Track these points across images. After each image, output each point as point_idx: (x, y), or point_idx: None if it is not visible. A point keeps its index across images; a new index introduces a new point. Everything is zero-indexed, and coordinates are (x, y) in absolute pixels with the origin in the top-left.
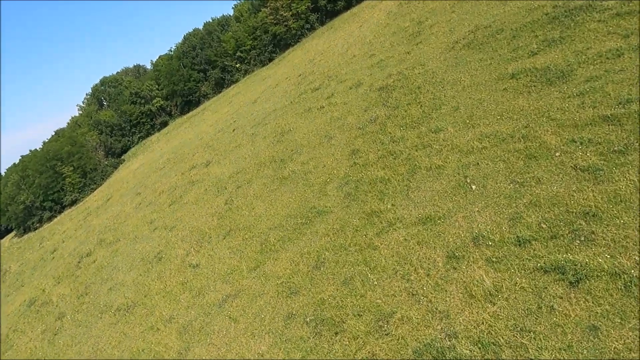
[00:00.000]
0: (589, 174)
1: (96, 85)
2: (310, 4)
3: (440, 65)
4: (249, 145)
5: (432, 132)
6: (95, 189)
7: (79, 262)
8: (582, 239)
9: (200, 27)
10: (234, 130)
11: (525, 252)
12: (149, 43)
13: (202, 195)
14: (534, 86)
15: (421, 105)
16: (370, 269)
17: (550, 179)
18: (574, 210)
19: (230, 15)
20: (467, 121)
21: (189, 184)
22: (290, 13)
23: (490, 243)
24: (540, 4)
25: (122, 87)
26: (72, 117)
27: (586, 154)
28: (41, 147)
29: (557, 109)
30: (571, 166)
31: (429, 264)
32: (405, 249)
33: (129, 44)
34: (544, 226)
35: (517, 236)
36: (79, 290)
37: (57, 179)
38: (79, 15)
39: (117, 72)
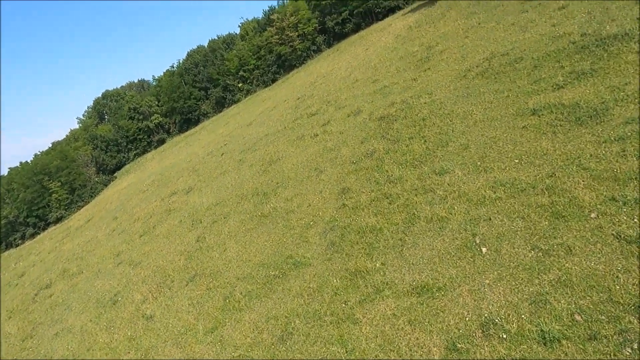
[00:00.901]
0: (638, 247)
1: (98, 98)
2: (317, 25)
3: (449, 95)
4: (234, 172)
5: (436, 174)
6: (82, 207)
7: (36, 295)
8: (635, 346)
9: (205, 44)
10: (222, 154)
11: (553, 354)
12: (157, 58)
13: (176, 227)
14: (561, 125)
15: (425, 140)
16: (346, 351)
17: (584, 250)
18: (621, 301)
19: (236, 34)
20: (479, 163)
21: (165, 212)
22: (297, 34)
23: (504, 335)
24: (566, 31)
25: (123, 101)
26: (71, 130)
27: (632, 219)
28: (32, 160)
29: (591, 155)
30: (612, 234)
31: (421, 354)
32: (393, 328)
33: (137, 58)
34: (578, 319)
35: (542, 330)
36: (26, 330)
37: (43, 194)
38: (89, 24)
39: (121, 86)
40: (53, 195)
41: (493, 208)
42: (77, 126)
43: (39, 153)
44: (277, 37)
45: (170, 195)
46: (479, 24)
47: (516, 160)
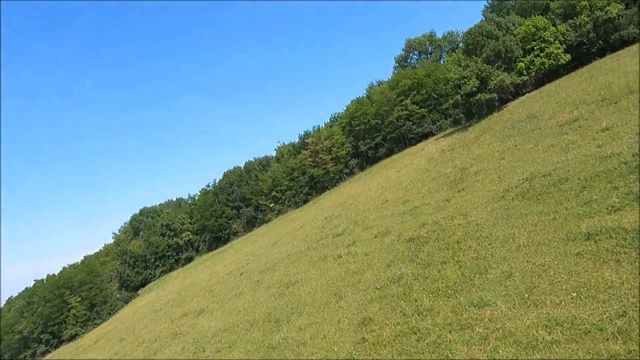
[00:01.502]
0: None
1: (135, 214)
2: (351, 149)
3: (486, 216)
4: (249, 294)
5: (474, 306)
6: (98, 324)
7: None
8: None
9: (242, 165)
10: (241, 274)
11: None
12: (197, 177)
13: (178, 354)
14: (625, 253)
15: (460, 266)
16: None
17: None
18: None
19: (271, 156)
20: (526, 295)
21: (171, 336)
22: (330, 157)
23: None
24: (614, 151)
25: (158, 217)
26: (105, 245)
27: None
28: (58, 273)
29: None
30: None
31: None
32: None
33: (178, 177)
34: None
35: None
36: None
37: (62, 309)
38: (134, 146)
39: (160, 204)
40: (71, 310)
41: (550, 354)
42: (111, 241)
43: (67, 266)
44: (310, 159)
45: (181, 317)
46: (515, 146)
47: (573, 294)
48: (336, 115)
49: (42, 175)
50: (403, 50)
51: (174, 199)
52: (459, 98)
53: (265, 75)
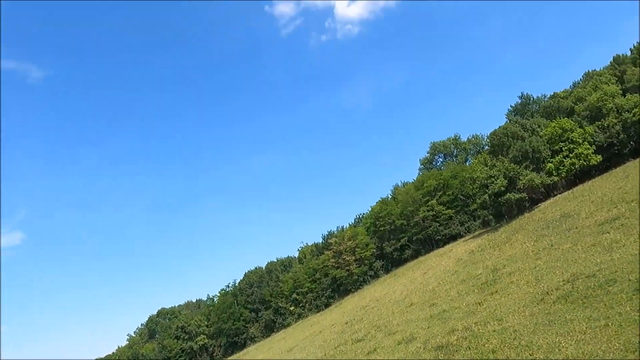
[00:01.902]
0: None
1: (152, 316)
2: (375, 250)
3: (525, 322)
4: None
5: None
6: None
7: None
8: None
9: (264, 266)
10: None
11: None
12: (219, 278)
13: None
14: None
15: None
16: None
17: None
18: None
19: (294, 257)
20: None
21: None
22: (354, 258)
23: None
24: None
25: (175, 319)
26: (118, 348)
27: None
28: None
29: None
30: None
31: None
32: None
33: (199, 279)
34: None
35: None
36: None
37: None
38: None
39: (179, 305)
40: None
41: None
42: (125, 343)
43: None
44: (333, 260)
45: None
46: (552, 245)
47: None
48: (360, 216)
49: (55, 272)
50: (428, 152)
51: (194, 300)
52: (487, 198)
53: (290, 176)
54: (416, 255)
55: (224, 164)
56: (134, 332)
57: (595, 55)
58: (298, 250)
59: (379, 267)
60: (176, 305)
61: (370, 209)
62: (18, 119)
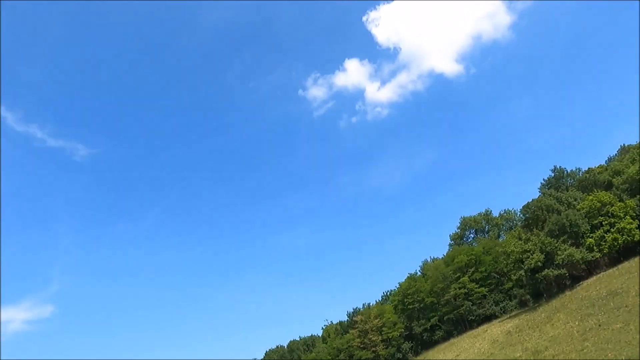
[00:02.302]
0: None
1: None
2: (403, 330)
3: None
4: None
5: None
6: None
7: None
8: None
9: (286, 345)
10: None
11: None
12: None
13: None
14: None
15: None
16: None
17: None
18: None
19: (317, 336)
20: None
21: None
22: (381, 338)
23: None
24: None
25: None
26: None
27: None
28: None
29: None
30: None
31: None
32: None
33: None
34: None
35: None
36: None
37: None
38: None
39: None
40: None
41: None
42: None
43: None
44: (359, 340)
45: None
46: (599, 325)
47: None
48: (388, 293)
49: (82, 345)
50: (458, 228)
51: None
52: (523, 274)
53: (317, 254)
54: (448, 336)
55: (254, 241)
56: None
57: (625, 132)
58: (322, 328)
59: (407, 349)
60: None
61: (398, 286)
62: (61, 194)
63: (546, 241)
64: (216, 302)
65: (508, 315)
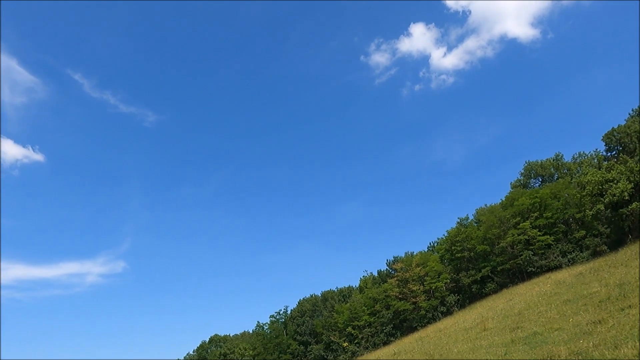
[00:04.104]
0: None
1: (204, 342)
2: (449, 281)
3: None
4: None
5: None
6: None
7: None
8: None
9: (320, 293)
10: None
11: None
12: (275, 305)
13: None
14: None
15: None
16: None
17: None
18: None
19: (355, 287)
20: None
21: None
22: (422, 289)
23: None
24: None
25: (224, 347)
26: None
27: None
28: None
29: None
30: None
31: None
32: None
33: (259, 307)
34: None
35: None
36: None
37: None
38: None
39: (235, 334)
40: None
41: None
42: None
43: None
44: (397, 289)
45: None
46: None
47: None
48: (434, 243)
49: (148, 297)
50: (521, 174)
51: (251, 331)
52: (602, 208)
53: (370, 224)
54: (500, 289)
55: (310, 209)
56: (184, 357)
57: None
58: (360, 279)
59: (452, 301)
60: (232, 335)
61: (446, 234)
62: (132, 158)
63: (636, 169)
64: (271, 265)
65: (579, 266)
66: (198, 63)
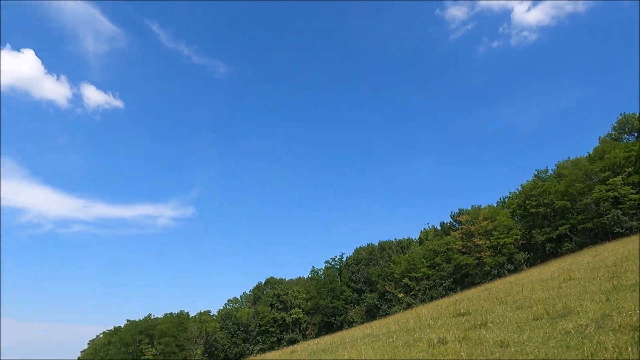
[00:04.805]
0: None
1: (259, 283)
2: (519, 238)
3: None
4: None
5: None
6: None
7: None
8: None
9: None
10: None
11: None
12: (332, 252)
13: None
14: None
15: None
16: None
17: None
18: None
19: (414, 239)
20: None
21: None
22: (489, 244)
23: None
24: None
25: (278, 288)
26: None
27: None
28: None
29: None
30: None
31: None
32: None
33: (315, 253)
34: None
35: None
36: None
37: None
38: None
39: (290, 279)
40: None
41: None
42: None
43: (162, 315)
44: (461, 243)
45: None
46: None
47: None
48: (504, 198)
49: (214, 240)
50: (613, 128)
51: (305, 277)
52: None
53: (431, 188)
54: (579, 249)
55: (376, 168)
56: (239, 297)
57: None
58: (420, 232)
59: (522, 259)
60: (288, 279)
61: (520, 188)
62: (203, 109)
63: None
64: (333, 217)
65: None
66: (269, 17)
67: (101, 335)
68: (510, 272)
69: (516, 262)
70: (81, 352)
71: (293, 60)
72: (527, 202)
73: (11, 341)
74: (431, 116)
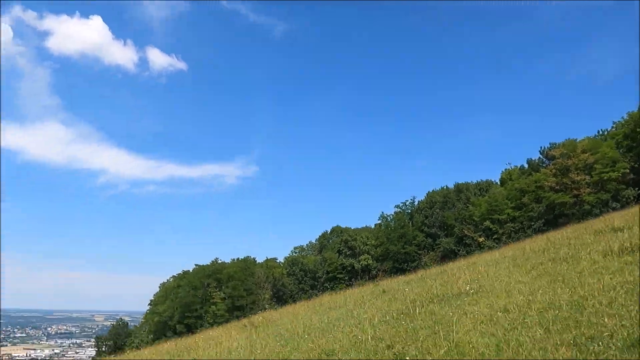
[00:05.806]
0: None
1: (325, 232)
2: (628, 172)
3: None
4: None
5: None
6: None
7: None
8: None
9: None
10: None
11: None
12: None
13: None
14: None
15: None
16: None
17: None
18: None
19: (495, 182)
20: None
21: None
22: (588, 179)
23: None
24: None
25: (346, 234)
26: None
27: None
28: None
29: None
30: None
31: None
32: None
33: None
34: None
35: None
36: None
37: (203, 302)
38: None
39: (356, 228)
40: (212, 307)
41: None
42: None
43: (229, 261)
44: (554, 179)
45: None
46: None
47: None
48: (604, 131)
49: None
50: None
51: (372, 226)
52: None
53: (496, 148)
54: None
55: (438, 124)
56: (305, 245)
57: None
58: (502, 172)
59: (631, 196)
60: (353, 228)
61: (625, 116)
62: (261, 68)
63: None
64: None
65: None
66: None
67: (171, 280)
68: (615, 210)
69: (623, 198)
70: (154, 295)
71: (351, 19)
72: (636, 129)
73: (99, 293)
74: (499, 71)
